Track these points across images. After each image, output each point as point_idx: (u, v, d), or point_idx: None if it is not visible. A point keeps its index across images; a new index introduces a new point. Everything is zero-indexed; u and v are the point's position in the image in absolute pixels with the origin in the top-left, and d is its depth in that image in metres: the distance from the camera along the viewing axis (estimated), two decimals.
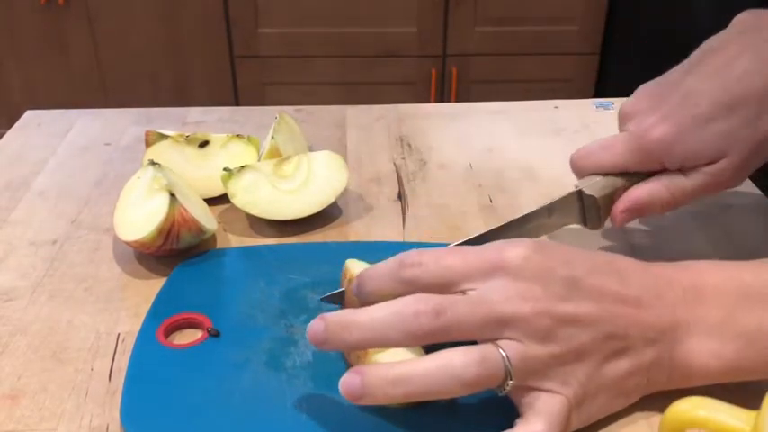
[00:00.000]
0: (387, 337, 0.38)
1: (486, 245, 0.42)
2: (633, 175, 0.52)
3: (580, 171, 0.53)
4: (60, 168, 0.70)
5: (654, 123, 0.50)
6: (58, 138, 0.76)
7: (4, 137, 0.76)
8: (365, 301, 0.43)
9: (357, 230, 0.60)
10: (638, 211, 0.51)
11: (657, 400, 0.41)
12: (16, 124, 0.79)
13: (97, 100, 2.03)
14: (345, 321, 0.39)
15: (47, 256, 0.57)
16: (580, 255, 0.42)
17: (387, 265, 0.42)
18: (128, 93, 2.04)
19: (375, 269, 0.42)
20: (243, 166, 0.60)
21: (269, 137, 0.65)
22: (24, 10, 1.93)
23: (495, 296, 0.39)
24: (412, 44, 1.97)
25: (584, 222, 0.53)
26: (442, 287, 0.40)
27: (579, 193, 0.52)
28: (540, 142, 0.74)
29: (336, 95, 1.99)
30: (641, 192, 0.51)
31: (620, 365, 0.40)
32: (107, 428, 0.42)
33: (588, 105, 0.81)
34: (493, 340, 0.38)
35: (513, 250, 0.40)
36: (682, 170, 0.50)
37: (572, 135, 0.75)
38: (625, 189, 0.51)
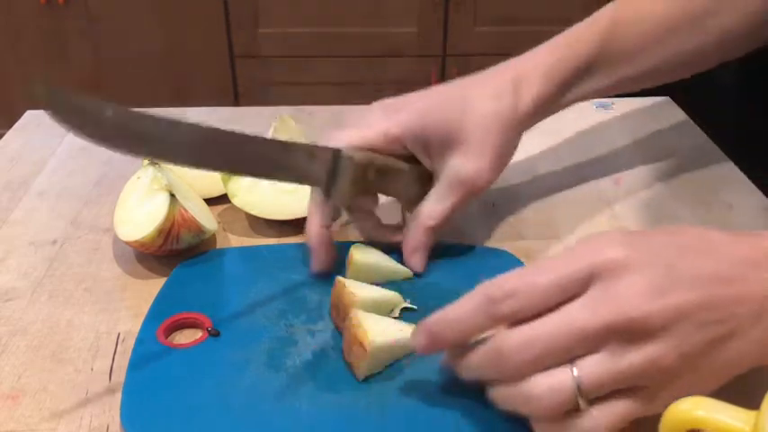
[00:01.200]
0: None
1: (578, 247, 0.39)
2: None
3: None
4: (60, 168, 0.70)
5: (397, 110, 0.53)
6: (57, 138, 0.76)
7: (4, 137, 0.76)
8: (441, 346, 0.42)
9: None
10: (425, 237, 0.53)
11: None
12: (16, 124, 0.79)
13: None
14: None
15: (47, 256, 0.57)
16: (675, 238, 0.39)
17: (469, 306, 0.39)
18: (128, 93, 2.04)
19: (451, 314, 0.40)
20: None
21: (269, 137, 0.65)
22: (24, 10, 1.93)
23: (587, 309, 0.36)
24: (412, 44, 1.97)
25: (327, 187, 0.51)
26: (542, 311, 0.38)
27: (336, 153, 0.50)
28: (540, 142, 0.74)
29: (336, 95, 1.99)
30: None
31: (724, 354, 0.38)
32: (107, 428, 0.42)
33: (588, 105, 0.81)
34: (578, 358, 0.37)
35: (608, 251, 0.37)
36: (429, 160, 0.53)
37: (572, 135, 0.75)
38: (379, 168, 0.52)
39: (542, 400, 0.37)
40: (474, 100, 0.53)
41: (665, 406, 0.37)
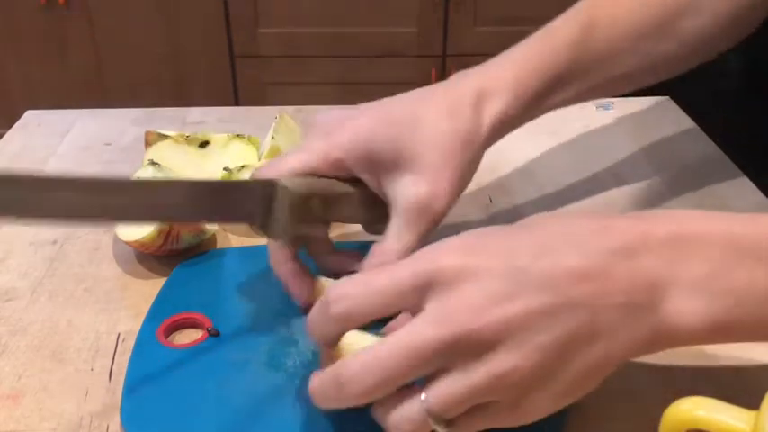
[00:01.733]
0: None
1: (419, 253, 0.37)
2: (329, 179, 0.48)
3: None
4: (60, 168, 0.70)
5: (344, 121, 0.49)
6: (57, 138, 0.76)
7: (4, 137, 0.76)
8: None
9: (357, 230, 0.60)
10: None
11: (657, 400, 0.41)
12: (16, 124, 0.79)
13: (97, 100, 2.03)
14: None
15: (47, 256, 0.57)
16: (526, 236, 0.37)
17: (318, 306, 0.38)
18: (128, 93, 2.04)
19: (311, 313, 0.39)
20: (243, 166, 0.60)
21: (269, 137, 0.65)
22: (24, 10, 1.93)
23: (425, 326, 0.35)
24: (412, 44, 1.97)
25: (262, 223, 0.46)
26: (378, 315, 0.37)
27: (270, 184, 0.46)
28: (540, 142, 0.74)
29: (336, 95, 1.99)
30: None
31: (586, 358, 0.35)
32: (107, 428, 0.42)
33: (588, 106, 0.81)
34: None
35: (444, 258, 0.36)
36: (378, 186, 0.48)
37: (572, 135, 0.75)
38: (322, 196, 0.48)
39: (398, 429, 0.36)
40: (427, 116, 0.47)
41: (531, 416, 0.36)
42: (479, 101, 0.48)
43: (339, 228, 0.60)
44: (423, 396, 0.35)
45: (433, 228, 0.47)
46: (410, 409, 0.35)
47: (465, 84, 0.50)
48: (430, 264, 0.36)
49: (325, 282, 0.47)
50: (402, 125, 0.47)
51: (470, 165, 0.49)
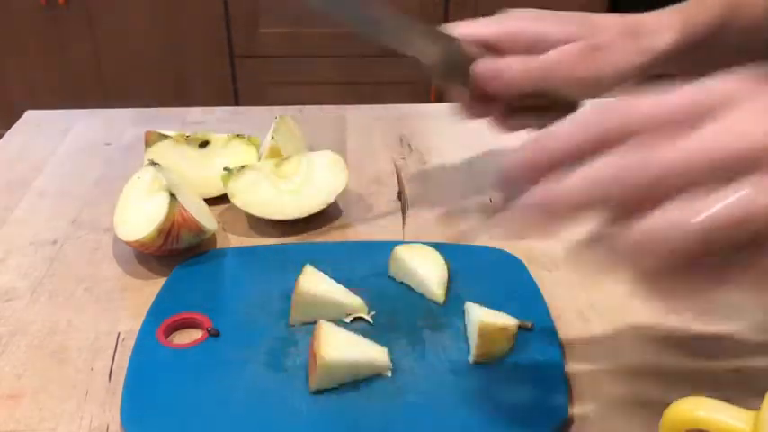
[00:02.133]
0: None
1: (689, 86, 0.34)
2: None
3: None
4: (60, 168, 0.70)
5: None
6: (57, 138, 0.76)
7: (4, 137, 0.76)
8: (538, 173, 0.34)
9: (357, 230, 0.60)
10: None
11: (657, 400, 0.42)
12: (16, 124, 0.79)
13: (97, 100, 2.03)
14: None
15: (47, 256, 0.57)
16: None
17: (577, 122, 0.33)
18: (128, 93, 2.04)
19: (553, 133, 0.34)
20: (243, 166, 0.60)
21: (269, 137, 0.65)
22: (24, 10, 1.93)
23: (732, 133, 0.31)
24: None
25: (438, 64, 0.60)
26: (660, 125, 0.32)
27: (453, 38, 0.58)
28: None
29: (336, 95, 1.99)
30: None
31: None
32: (107, 428, 0.42)
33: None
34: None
35: (725, 83, 0.33)
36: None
37: None
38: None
39: (718, 221, 0.30)
40: (604, 21, 0.55)
41: None
42: (646, 31, 0.55)
43: (342, 233, 0.60)
44: (746, 191, 0.30)
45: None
46: (738, 202, 0.30)
47: (633, 16, 0.56)
48: (713, 84, 0.33)
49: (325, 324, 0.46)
50: (577, 23, 0.55)
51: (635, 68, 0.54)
